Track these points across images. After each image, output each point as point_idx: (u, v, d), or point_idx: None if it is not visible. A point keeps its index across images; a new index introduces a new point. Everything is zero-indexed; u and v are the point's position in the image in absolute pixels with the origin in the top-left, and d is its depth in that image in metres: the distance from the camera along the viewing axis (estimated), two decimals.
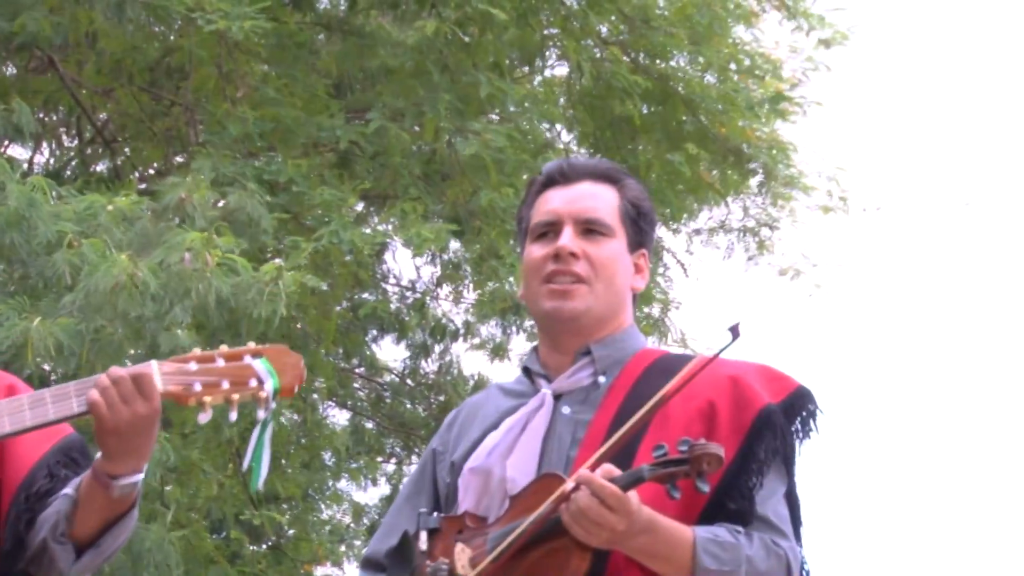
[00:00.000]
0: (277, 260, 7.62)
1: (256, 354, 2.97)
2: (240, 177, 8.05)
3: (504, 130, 8.54)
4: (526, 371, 3.24)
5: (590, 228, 3.16)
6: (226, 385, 2.95)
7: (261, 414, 2.99)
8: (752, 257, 10.74)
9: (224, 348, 2.99)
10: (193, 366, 2.96)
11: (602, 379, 3.13)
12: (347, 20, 9.60)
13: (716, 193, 10.06)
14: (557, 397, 3.13)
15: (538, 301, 3.17)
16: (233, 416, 2.98)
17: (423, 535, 3.02)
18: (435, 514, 3.07)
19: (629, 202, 3.22)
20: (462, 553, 2.93)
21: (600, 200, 3.20)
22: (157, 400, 2.92)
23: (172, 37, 9.25)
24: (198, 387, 2.94)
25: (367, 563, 3.24)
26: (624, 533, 2.82)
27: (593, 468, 2.84)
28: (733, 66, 9.76)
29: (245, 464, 3.05)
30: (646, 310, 10.49)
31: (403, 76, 8.92)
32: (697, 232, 10.86)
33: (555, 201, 3.20)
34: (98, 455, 3.00)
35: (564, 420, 3.09)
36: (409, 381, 11.29)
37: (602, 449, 2.86)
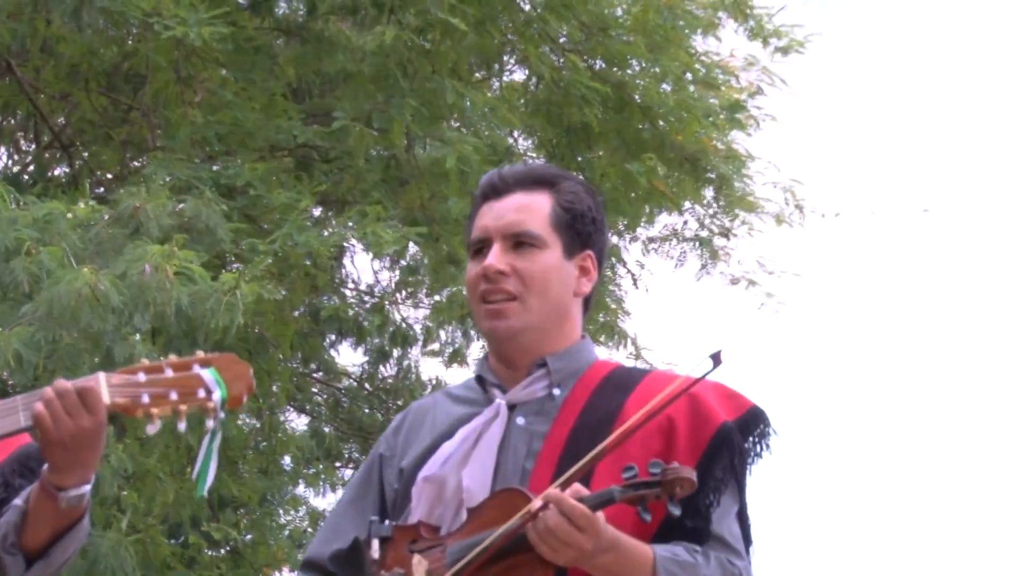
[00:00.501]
0: (236, 266, 7.62)
1: (205, 364, 2.97)
2: (196, 182, 8.05)
3: (472, 141, 8.54)
4: (479, 379, 3.22)
5: (519, 241, 3.13)
6: (174, 396, 2.94)
7: (210, 424, 2.98)
8: (705, 266, 10.75)
9: (173, 358, 2.99)
10: (141, 377, 2.95)
11: (557, 391, 3.12)
12: (306, 25, 9.61)
13: (671, 201, 10.08)
14: (511, 408, 3.12)
15: (477, 320, 3.19)
16: (182, 427, 2.98)
17: (375, 543, 3.00)
18: (387, 522, 3.05)
19: (563, 207, 3.17)
20: (419, 565, 2.92)
21: (529, 211, 3.15)
22: (102, 414, 2.91)
23: (130, 42, 9.25)
24: (146, 399, 2.93)
25: (308, 565, 3.22)
26: (590, 552, 2.83)
27: (564, 486, 2.84)
28: (689, 75, 9.78)
29: (195, 473, 3.04)
30: (601, 319, 10.52)
31: (362, 81, 8.93)
32: (651, 240, 10.87)
33: (486, 216, 3.17)
34: (45, 466, 2.99)
35: (519, 431, 3.09)
36: (367, 386, 11.30)
37: (570, 471, 2.86)
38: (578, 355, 3.17)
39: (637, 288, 10.93)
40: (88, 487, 2.99)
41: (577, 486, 2.84)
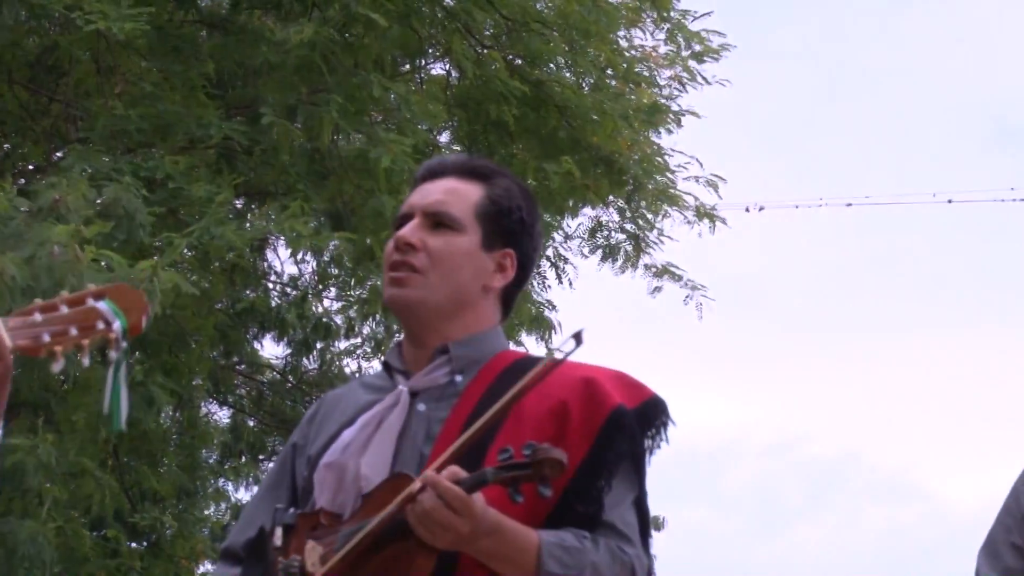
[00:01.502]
0: (156, 258, 7.61)
1: (98, 296, 2.90)
2: (116, 174, 8.03)
3: (407, 142, 8.53)
4: (386, 366, 3.22)
5: (437, 221, 3.14)
6: (74, 331, 2.87)
7: (112, 355, 2.92)
8: (628, 260, 10.82)
9: (65, 294, 2.91)
10: (38, 317, 2.87)
11: (459, 378, 3.11)
12: (230, 18, 9.60)
13: (595, 194, 10.13)
14: (414, 394, 3.11)
15: (384, 290, 3.19)
16: (86, 361, 2.93)
17: (278, 531, 3.01)
18: (291, 510, 3.04)
19: (491, 199, 3.18)
20: (312, 551, 2.92)
21: (455, 195, 3.17)
22: (9, 358, 2.85)
23: (52, 33, 9.21)
24: (47, 337, 2.86)
25: (225, 554, 3.22)
26: (469, 535, 2.81)
27: (440, 469, 2.81)
28: (610, 71, 9.84)
29: (105, 407, 2.98)
30: (533, 311, 10.57)
31: (286, 74, 8.93)
32: (572, 237, 10.93)
33: (416, 195, 3.20)
34: None
35: (419, 417, 3.07)
36: (290, 379, 11.30)
37: (450, 449, 2.85)
38: (483, 343, 3.16)
39: (561, 282, 11.00)
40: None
41: (454, 468, 2.81)
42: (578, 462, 2.91)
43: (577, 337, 2.80)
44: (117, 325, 2.90)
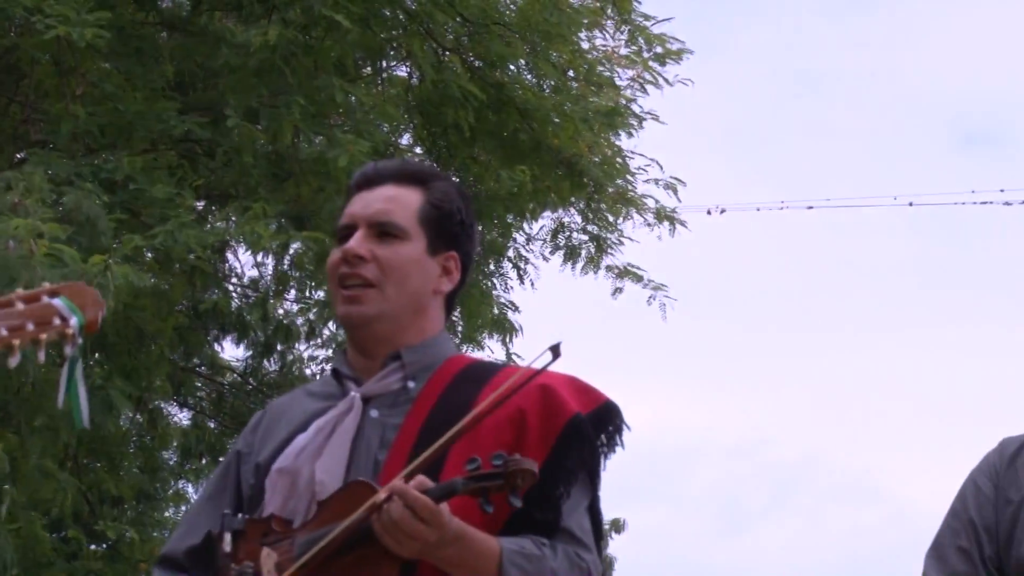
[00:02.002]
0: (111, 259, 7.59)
1: (53, 293, 2.89)
2: (76, 176, 8.01)
3: (365, 144, 8.53)
4: (335, 373, 3.21)
5: (383, 231, 3.13)
6: (31, 327, 2.86)
7: (69, 351, 2.92)
8: (591, 261, 10.84)
9: (20, 291, 2.90)
10: None
11: (411, 384, 3.11)
12: (191, 20, 9.59)
13: (557, 196, 10.15)
14: (366, 400, 3.11)
15: (335, 305, 3.18)
16: (41, 356, 2.92)
17: (227, 536, 3.00)
18: (240, 515, 3.03)
19: (432, 204, 3.18)
20: (268, 558, 2.92)
21: (397, 203, 3.16)
22: None
23: (12, 35, 9.18)
24: (3, 331, 2.84)
25: (165, 561, 3.20)
26: (435, 544, 2.82)
27: (406, 479, 2.82)
28: (571, 73, 9.86)
29: (60, 402, 3.00)
30: (495, 313, 10.58)
31: (247, 76, 8.92)
32: (534, 239, 10.95)
33: (356, 204, 3.18)
34: None
35: (372, 424, 3.07)
36: (251, 380, 11.29)
37: (416, 461, 2.85)
38: (433, 348, 3.17)
39: (523, 284, 11.02)
40: None
41: (421, 478, 2.82)
42: (537, 469, 2.88)
43: (555, 350, 2.82)
44: (74, 321, 2.89)
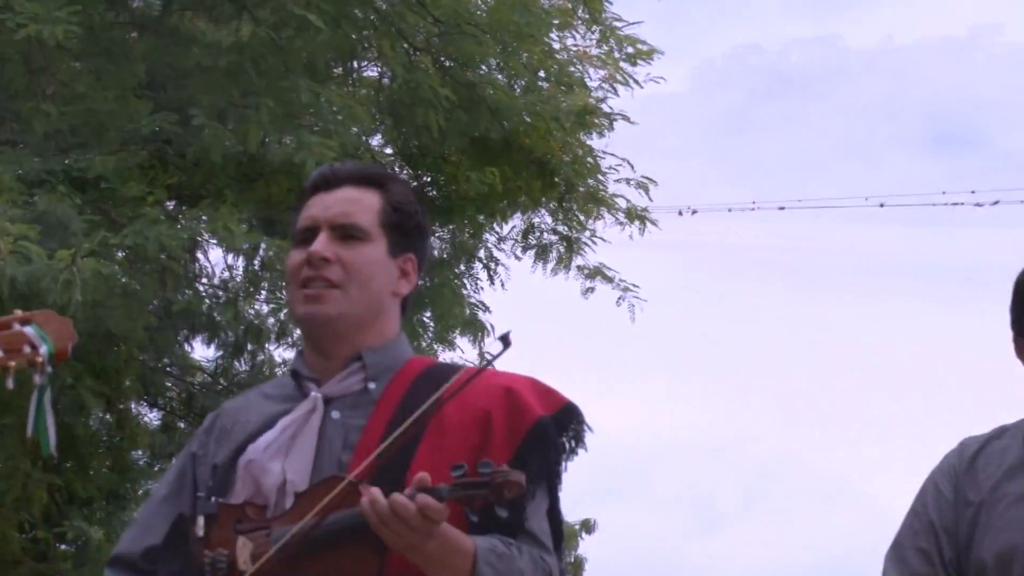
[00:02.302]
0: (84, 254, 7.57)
1: (25, 321, 2.94)
2: (48, 176, 8.00)
3: (331, 144, 8.52)
4: (294, 374, 3.21)
5: (346, 233, 3.15)
6: (0, 353, 2.90)
7: (38, 379, 2.95)
8: (561, 261, 10.86)
9: None
10: None
11: (372, 385, 3.13)
12: (161, 20, 9.57)
13: (528, 197, 10.17)
14: (327, 402, 3.12)
15: (295, 306, 3.18)
16: (10, 383, 2.93)
17: (200, 520, 3.00)
18: (213, 499, 3.04)
19: (391, 206, 3.20)
20: (243, 548, 2.91)
21: (358, 205, 3.18)
22: None
23: None
24: None
25: (117, 561, 3.21)
26: (422, 540, 2.85)
27: (369, 468, 2.86)
28: (542, 73, 9.87)
29: (30, 430, 3.01)
30: (466, 313, 10.59)
31: (218, 75, 8.91)
32: (504, 239, 10.96)
33: (315, 207, 3.18)
34: None
35: (334, 425, 3.09)
36: (222, 380, 11.27)
37: (377, 450, 2.87)
38: (393, 351, 3.19)
39: (493, 284, 11.03)
40: None
41: (423, 474, 2.83)
42: (524, 481, 2.90)
43: (504, 340, 2.85)
44: (44, 350, 2.93)
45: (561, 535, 3.14)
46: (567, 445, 3.09)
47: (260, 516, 2.99)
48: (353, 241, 3.15)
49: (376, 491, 2.83)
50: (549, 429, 3.05)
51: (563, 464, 3.10)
